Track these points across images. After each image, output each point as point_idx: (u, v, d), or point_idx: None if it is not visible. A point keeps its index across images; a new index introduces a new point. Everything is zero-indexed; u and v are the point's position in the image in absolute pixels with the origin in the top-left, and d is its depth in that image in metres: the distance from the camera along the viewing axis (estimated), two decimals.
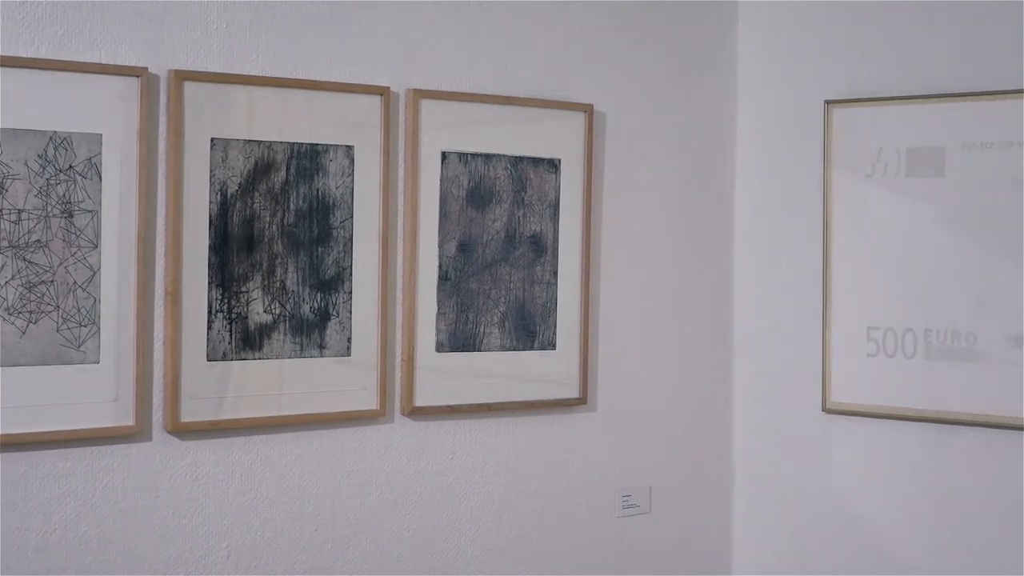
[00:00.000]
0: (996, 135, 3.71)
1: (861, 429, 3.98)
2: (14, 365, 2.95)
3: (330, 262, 3.38)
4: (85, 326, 3.03)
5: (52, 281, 2.99)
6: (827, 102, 3.98)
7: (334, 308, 3.39)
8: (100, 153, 3.04)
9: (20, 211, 2.95)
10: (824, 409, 4.02)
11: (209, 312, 3.20)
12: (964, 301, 3.77)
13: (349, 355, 3.42)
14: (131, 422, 3.11)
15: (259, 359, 3.28)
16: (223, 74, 3.20)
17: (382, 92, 3.43)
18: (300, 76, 3.33)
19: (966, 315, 3.77)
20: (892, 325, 3.89)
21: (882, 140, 3.90)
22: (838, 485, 4.05)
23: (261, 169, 3.27)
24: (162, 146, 3.13)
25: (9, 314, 2.94)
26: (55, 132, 2.98)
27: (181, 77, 3.12)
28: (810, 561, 4.11)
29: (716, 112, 4.17)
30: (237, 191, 3.23)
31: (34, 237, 2.97)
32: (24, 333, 2.96)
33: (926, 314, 3.84)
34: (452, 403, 3.61)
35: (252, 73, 3.25)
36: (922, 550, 3.90)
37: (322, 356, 3.38)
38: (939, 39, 3.84)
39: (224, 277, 3.22)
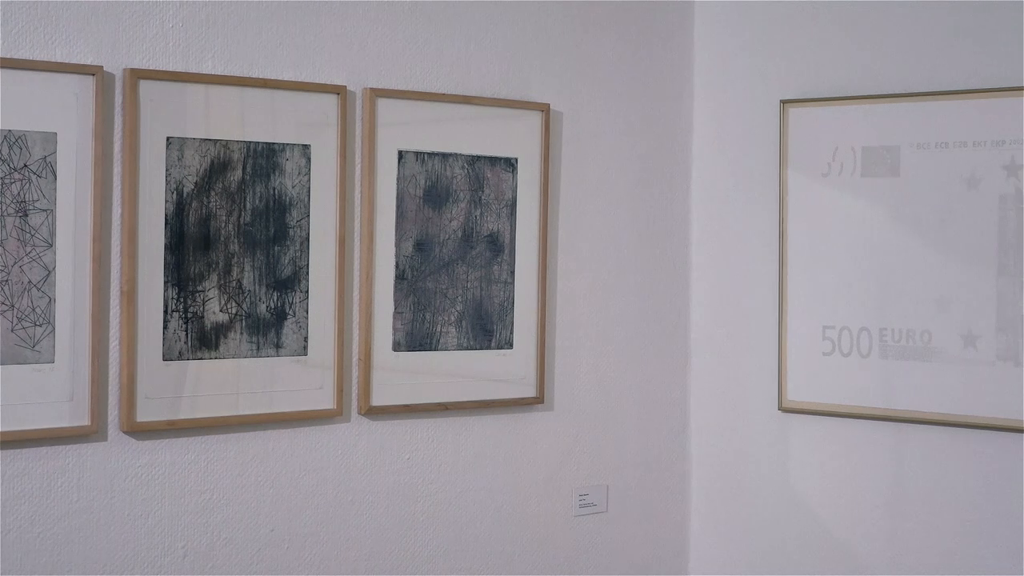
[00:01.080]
0: (950, 135, 3.74)
1: (817, 428, 4.01)
2: None
3: (286, 261, 3.39)
4: (40, 326, 3.03)
5: (7, 280, 2.99)
6: (783, 102, 4.01)
7: (290, 307, 3.40)
8: (55, 152, 3.04)
9: None
10: (780, 408, 4.05)
11: (165, 312, 3.21)
12: (919, 300, 3.80)
13: (306, 354, 3.43)
14: (87, 422, 3.11)
15: (215, 359, 3.29)
16: (179, 73, 3.20)
17: (339, 91, 3.44)
18: (256, 75, 3.34)
19: (921, 314, 3.80)
20: (847, 324, 3.92)
21: (837, 140, 3.93)
22: (794, 484, 4.08)
23: (217, 168, 3.27)
24: (117, 145, 3.14)
25: None
26: (9, 131, 2.98)
27: (137, 76, 3.13)
28: (767, 560, 4.14)
29: (673, 112, 4.20)
30: (193, 190, 3.24)
31: None
32: None
33: (881, 313, 3.87)
34: (409, 402, 3.62)
35: (208, 72, 3.26)
36: (878, 549, 3.93)
37: (278, 355, 3.39)
38: (893, 39, 3.87)
39: (180, 276, 3.22)
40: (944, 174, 3.76)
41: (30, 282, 3.02)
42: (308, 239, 3.42)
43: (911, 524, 3.87)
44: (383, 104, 3.53)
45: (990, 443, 3.71)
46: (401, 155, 3.58)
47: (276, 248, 3.37)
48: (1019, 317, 3.62)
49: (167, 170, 3.19)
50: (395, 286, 3.58)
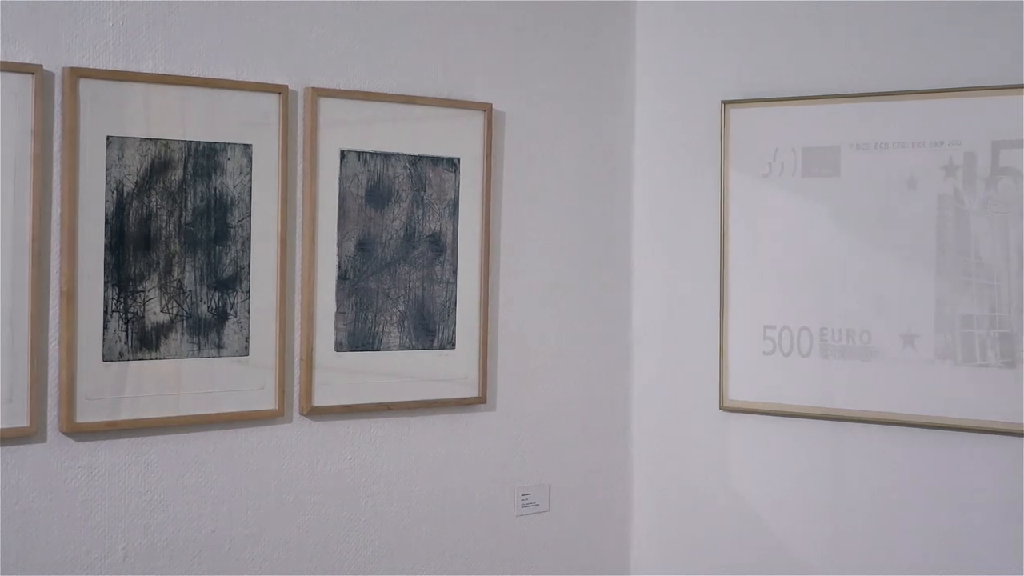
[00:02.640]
0: (889, 136, 3.79)
1: (758, 427, 4.05)
2: None
3: (228, 261, 3.40)
4: None
5: None
6: (724, 102, 4.05)
7: (232, 307, 3.41)
8: None
9: None
10: (721, 407, 4.09)
11: (105, 312, 3.21)
12: (859, 300, 3.85)
13: (247, 355, 3.44)
14: (25, 423, 3.11)
15: (156, 359, 3.30)
16: (119, 72, 3.21)
17: (280, 90, 3.46)
18: (197, 74, 3.34)
19: (861, 314, 3.85)
20: (788, 324, 3.96)
21: (778, 140, 3.97)
22: (736, 483, 4.12)
23: (158, 168, 3.28)
24: (57, 144, 3.14)
25: None
26: None
27: (76, 75, 3.13)
28: (709, 560, 4.18)
29: (614, 111, 4.23)
30: (134, 190, 3.24)
31: None
32: None
33: (822, 313, 3.91)
34: (351, 402, 3.64)
35: (149, 71, 3.26)
36: (819, 548, 3.98)
37: (220, 356, 3.40)
38: (834, 40, 3.92)
39: (120, 276, 3.23)
40: (884, 175, 3.81)
41: None
42: (249, 239, 3.43)
43: (851, 523, 3.91)
44: (325, 104, 3.54)
45: (929, 441, 3.75)
46: (343, 155, 3.59)
47: (217, 248, 3.38)
48: (957, 317, 3.67)
49: (107, 169, 3.20)
50: (337, 286, 3.60)
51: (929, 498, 3.78)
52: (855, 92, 3.85)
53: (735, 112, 4.03)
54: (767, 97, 3.99)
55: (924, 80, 3.75)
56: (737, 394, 4.06)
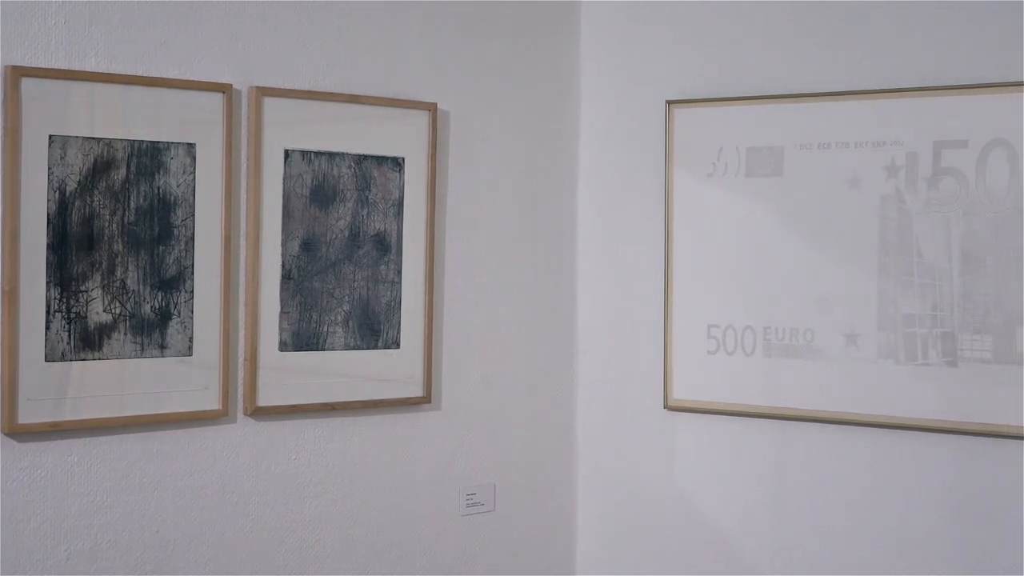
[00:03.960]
0: (833, 135, 3.83)
1: (702, 426, 4.09)
2: None
3: (171, 261, 3.41)
4: None
5: None
6: (668, 102, 4.08)
7: (175, 307, 3.42)
8: None
9: None
10: (666, 406, 4.12)
11: (47, 312, 3.21)
12: (802, 299, 3.89)
13: (191, 355, 3.45)
14: None
15: (99, 359, 3.30)
16: (62, 70, 3.21)
17: (224, 89, 3.47)
18: (141, 73, 3.34)
19: (804, 313, 3.89)
20: (732, 323, 4.00)
21: (722, 140, 4.01)
22: (680, 482, 4.15)
23: (101, 167, 3.28)
24: None
25: None
26: None
27: (19, 73, 3.13)
28: (653, 559, 4.21)
29: (560, 111, 4.26)
30: (76, 189, 3.25)
31: None
32: None
33: (765, 312, 3.96)
34: (295, 403, 3.65)
35: (92, 70, 3.26)
36: (762, 547, 4.02)
37: (163, 356, 3.41)
38: (778, 41, 3.96)
39: (63, 276, 3.23)
40: (826, 174, 3.85)
41: None
42: (193, 238, 3.44)
43: (795, 522, 3.95)
44: (269, 103, 3.56)
45: (872, 440, 3.80)
46: (287, 154, 3.60)
47: (161, 248, 3.39)
48: (899, 316, 3.72)
49: (49, 169, 3.19)
50: (281, 286, 3.61)
51: (872, 496, 3.82)
52: (799, 92, 3.89)
53: (680, 112, 4.07)
54: (711, 97, 4.03)
55: (867, 81, 3.79)
56: (681, 393, 4.09)
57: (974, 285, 3.63)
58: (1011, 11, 3.59)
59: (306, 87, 3.65)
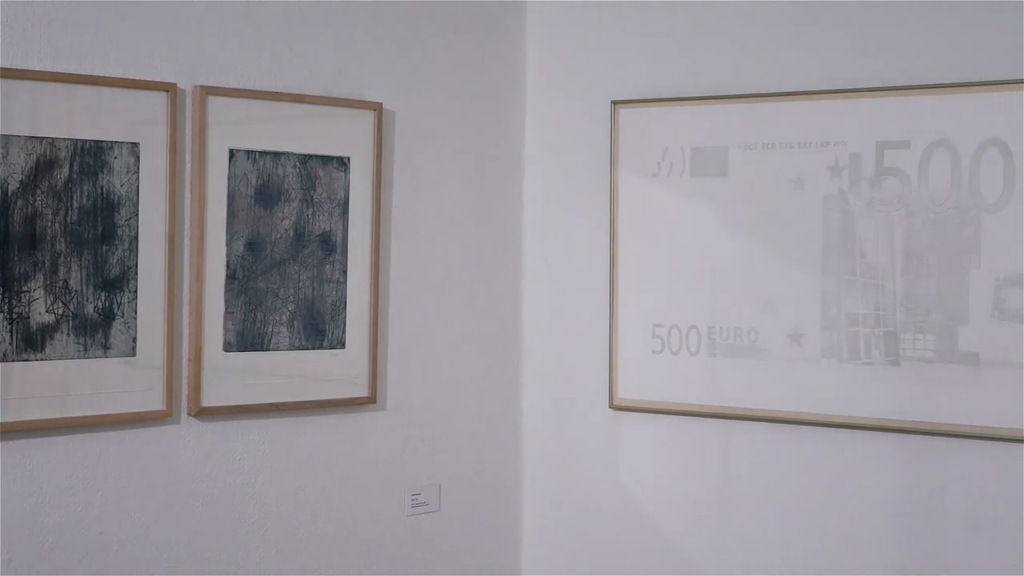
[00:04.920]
0: (777, 136, 3.87)
1: (647, 426, 4.12)
2: None
3: (115, 261, 3.41)
4: None
5: None
6: (614, 102, 4.11)
7: (119, 308, 3.42)
8: None
9: None
10: (611, 406, 4.15)
11: None
12: (747, 299, 3.93)
13: (134, 355, 3.45)
14: None
15: (42, 360, 3.30)
16: (4, 69, 3.20)
17: (168, 88, 3.47)
18: (85, 72, 3.34)
19: (748, 313, 3.93)
20: (677, 323, 4.03)
21: (667, 140, 4.04)
22: (625, 482, 4.18)
23: (44, 166, 3.28)
24: None
25: None
26: None
27: None
28: (599, 558, 4.24)
29: (505, 111, 4.28)
30: (18, 188, 3.24)
31: None
32: None
33: (710, 312, 3.99)
34: (240, 403, 3.66)
35: (35, 68, 3.26)
36: (707, 546, 4.05)
37: (107, 356, 3.41)
38: (721, 41, 3.99)
39: (4, 276, 3.23)
40: (771, 175, 3.89)
41: None
42: (137, 238, 3.44)
43: (739, 521, 3.99)
44: (214, 102, 3.56)
45: (816, 439, 3.84)
46: (232, 154, 3.61)
47: (104, 247, 3.39)
48: (842, 315, 3.76)
49: None
50: (226, 286, 3.62)
51: (816, 495, 3.87)
52: (743, 93, 3.93)
53: (625, 112, 4.09)
54: (657, 97, 4.05)
55: (811, 81, 3.83)
56: (626, 392, 4.12)
57: (916, 285, 3.67)
58: (954, 13, 3.63)
59: (251, 86, 3.65)
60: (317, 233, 3.78)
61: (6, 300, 3.23)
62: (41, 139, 3.27)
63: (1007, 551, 3.59)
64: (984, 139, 3.58)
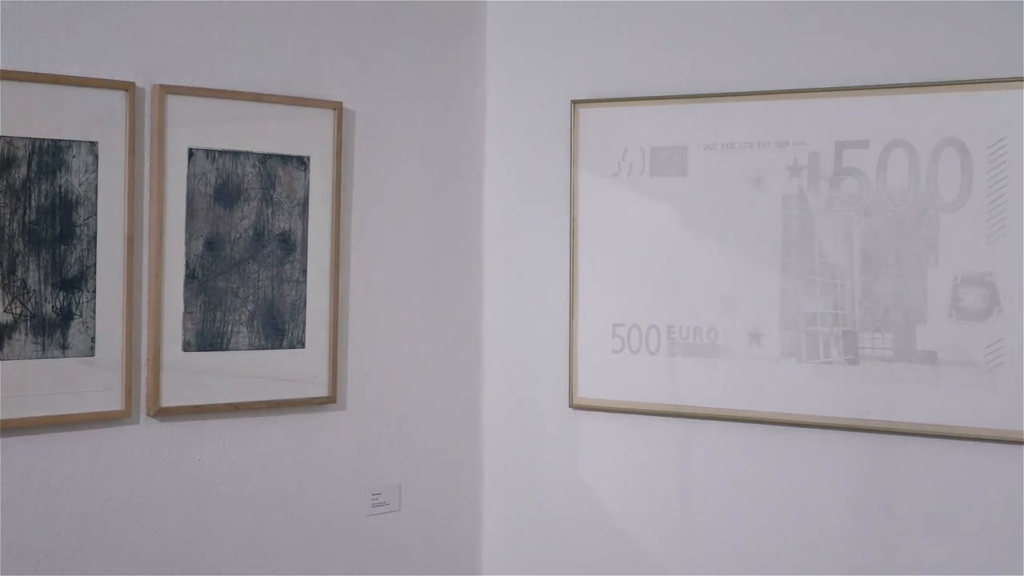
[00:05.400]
0: (736, 136, 3.89)
1: (607, 425, 4.13)
2: None
3: (73, 260, 3.40)
4: None
5: None
6: (574, 102, 4.13)
7: (77, 307, 3.41)
8: None
9: None
10: (571, 405, 4.16)
11: None
12: (706, 298, 3.95)
13: (93, 355, 3.45)
14: None
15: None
16: None
17: (127, 87, 3.47)
18: (43, 70, 3.33)
19: (708, 312, 3.95)
20: (637, 322, 4.05)
21: (627, 140, 4.06)
22: (586, 481, 4.20)
23: (1, 165, 3.27)
24: None
25: None
26: None
27: None
28: (560, 558, 4.25)
29: (466, 111, 4.29)
30: None
31: None
32: None
33: (670, 311, 4.01)
34: (199, 403, 3.66)
35: None
36: (667, 545, 4.07)
37: (65, 356, 3.40)
38: (682, 41, 4.01)
39: None
40: (730, 174, 3.91)
41: None
42: (95, 238, 3.43)
43: (699, 520, 4.01)
44: (173, 101, 3.56)
45: (775, 438, 3.86)
46: (191, 153, 3.61)
47: (62, 247, 3.38)
48: (801, 314, 3.79)
49: None
50: (185, 285, 3.62)
51: (776, 494, 3.89)
52: (703, 93, 3.95)
53: (585, 112, 4.11)
54: (616, 97, 4.07)
55: (770, 81, 3.86)
56: (587, 392, 4.13)
57: (875, 284, 3.70)
58: (911, 14, 3.66)
59: (210, 85, 3.65)
60: (277, 232, 3.78)
61: None
62: None
63: (965, 549, 3.62)
64: (942, 139, 3.61)
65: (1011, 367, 3.53)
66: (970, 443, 3.59)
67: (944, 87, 3.60)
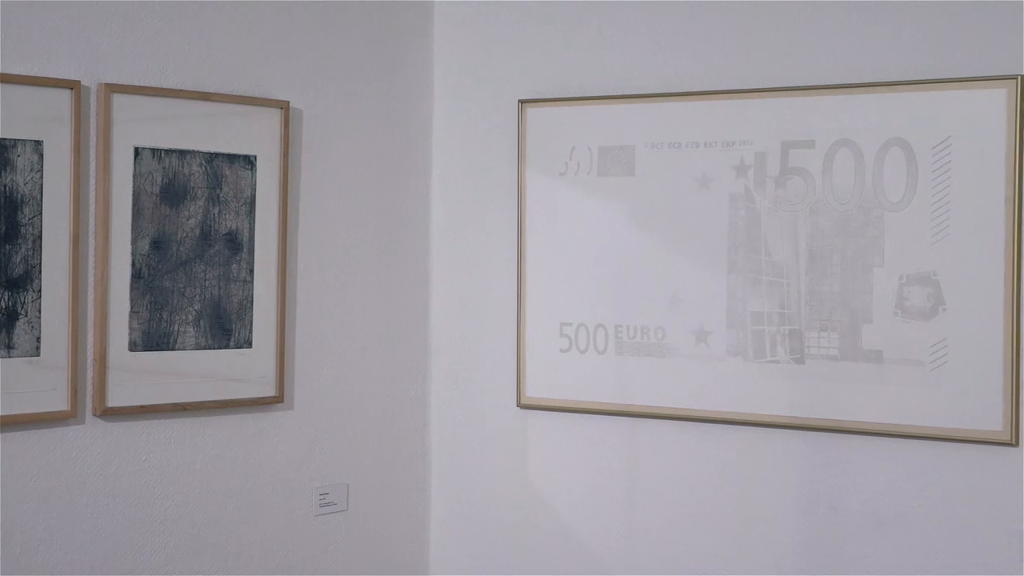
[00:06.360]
0: (683, 135, 3.92)
1: (555, 424, 4.15)
2: None
3: (18, 260, 3.40)
4: None
5: None
6: (521, 101, 4.15)
7: (22, 307, 3.41)
8: None
9: None
10: (519, 404, 4.18)
11: None
12: (653, 298, 3.98)
13: (38, 355, 3.44)
14: None
15: None
16: None
17: (72, 86, 3.46)
18: None
19: (655, 311, 3.97)
20: (584, 321, 4.07)
21: (575, 139, 4.08)
22: (534, 480, 4.22)
23: None
24: None
25: None
26: None
27: None
28: (508, 557, 4.27)
29: (413, 110, 4.30)
30: None
31: None
32: None
33: (617, 310, 4.04)
34: (146, 403, 3.66)
35: None
36: (614, 545, 4.09)
37: (10, 356, 3.40)
38: (629, 41, 4.03)
39: None
40: (677, 174, 3.93)
41: None
42: (41, 237, 3.43)
43: (646, 519, 4.04)
44: (119, 100, 3.56)
45: (722, 437, 3.89)
46: (137, 152, 3.61)
47: (7, 247, 3.38)
48: (748, 313, 3.82)
49: None
50: (131, 285, 3.61)
51: (724, 493, 3.92)
52: (650, 92, 3.97)
53: (532, 111, 4.13)
54: (564, 97, 4.09)
55: (717, 81, 3.89)
56: (534, 391, 4.15)
57: (820, 283, 3.74)
58: (856, 14, 3.69)
59: (157, 84, 3.65)
60: (223, 232, 3.79)
61: None
62: None
63: (912, 548, 3.66)
64: (887, 139, 3.64)
65: (955, 366, 3.57)
66: (915, 441, 3.63)
67: (889, 87, 3.63)
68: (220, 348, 3.80)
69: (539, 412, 4.17)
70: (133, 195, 3.61)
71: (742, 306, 3.84)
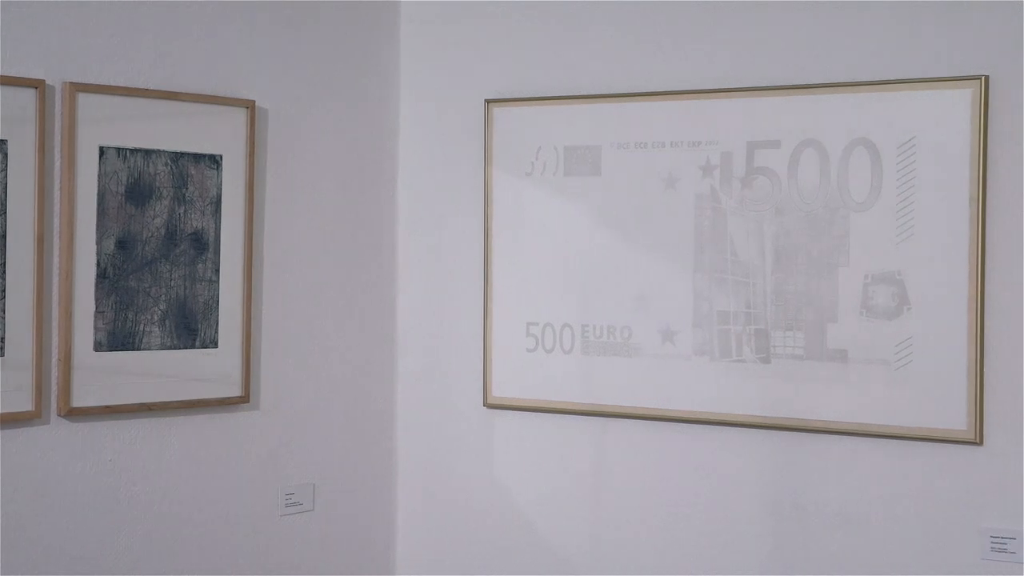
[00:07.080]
0: (649, 135, 3.93)
1: (522, 423, 4.17)
2: None
3: None
4: None
5: None
6: (487, 101, 4.16)
7: None
8: None
9: None
10: (486, 404, 4.20)
11: None
12: (620, 297, 3.99)
13: (2, 355, 3.44)
14: None
15: None
16: None
17: (37, 85, 3.46)
18: None
19: (622, 311, 3.99)
20: (551, 321, 4.09)
21: (541, 139, 4.10)
22: (500, 480, 4.23)
23: None
24: None
25: None
26: None
27: None
28: (475, 557, 4.28)
29: (379, 110, 4.31)
30: None
31: None
32: None
33: (583, 310, 4.05)
34: (111, 403, 3.65)
35: None
36: (581, 544, 4.11)
37: None
38: (595, 40, 4.05)
39: None
40: (643, 174, 3.95)
41: None
42: (4, 237, 3.42)
43: (613, 518, 4.05)
44: (83, 99, 3.55)
45: (688, 436, 3.91)
46: (102, 151, 3.60)
47: None
48: (714, 313, 3.83)
49: None
50: (96, 284, 3.61)
51: (690, 492, 3.94)
52: (616, 92, 3.99)
53: (498, 111, 4.14)
54: (530, 96, 4.11)
55: (683, 81, 3.90)
56: (501, 391, 4.17)
57: (786, 283, 3.76)
58: (820, 14, 3.72)
59: (122, 83, 3.65)
60: (189, 232, 3.78)
61: None
62: None
63: (877, 547, 3.68)
64: (852, 139, 3.67)
65: (920, 365, 3.59)
66: (880, 440, 3.65)
67: (854, 87, 3.65)
68: (186, 348, 3.80)
69: (506, 412, 4.18)
70: (98, 195, 3.60)
71: (708, 305, 3.86)
